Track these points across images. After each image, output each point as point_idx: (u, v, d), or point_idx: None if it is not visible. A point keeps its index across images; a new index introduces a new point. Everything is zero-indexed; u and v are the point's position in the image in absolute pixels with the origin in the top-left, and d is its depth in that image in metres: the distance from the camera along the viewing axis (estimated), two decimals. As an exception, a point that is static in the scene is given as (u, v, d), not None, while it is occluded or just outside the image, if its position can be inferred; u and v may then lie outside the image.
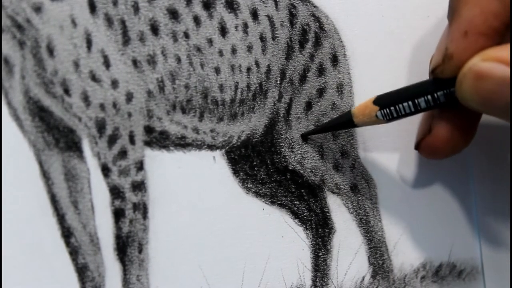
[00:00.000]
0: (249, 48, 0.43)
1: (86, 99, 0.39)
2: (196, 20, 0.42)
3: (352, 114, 0.42)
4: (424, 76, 0.48)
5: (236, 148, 0.44)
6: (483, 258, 0.49)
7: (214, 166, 0.43)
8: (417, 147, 0.45)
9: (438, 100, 0.40)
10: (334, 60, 0.46)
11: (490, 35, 0.37)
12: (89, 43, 0.39)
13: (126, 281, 0.41)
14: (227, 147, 0.44)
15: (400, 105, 0.41)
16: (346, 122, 0.43)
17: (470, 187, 0.49)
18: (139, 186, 0.41)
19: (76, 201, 0.40)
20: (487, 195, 0.50)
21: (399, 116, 0.41)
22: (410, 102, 0.41)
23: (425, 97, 0.40)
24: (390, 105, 0.41)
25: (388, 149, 0.47)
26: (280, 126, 0.45)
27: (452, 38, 0.38)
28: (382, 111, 0.41)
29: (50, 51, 0.39)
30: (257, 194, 0.44)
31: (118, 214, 0.41)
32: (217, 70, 0.43)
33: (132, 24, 0.40)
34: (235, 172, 0.44)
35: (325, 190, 0.46)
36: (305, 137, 0.45)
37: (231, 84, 0.43)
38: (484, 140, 0.49)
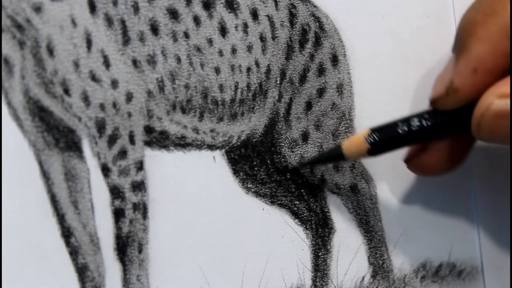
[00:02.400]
0: (249, 48, 0.43)
1: (86, 99, 0.39)
2: (196, 20, 0.42)
3: (342, 150, 0.42)
4: (424, 76, 0.48)
5: (236, 148, 0.44)
6: (483, 258, 0.49)
7: (214, 166, 0.43)
8: (407, 161, 0.45)
9: (435, 132, 0.40)
10: (334, 60, 0.46)
11: (497, 73, 0.37)
12: (89, 43, 0.39)
13: (126, 281, 0.41)
14: (227, 147, 0.44)
15: (392, 142, 0.41)
16: (336, 156, 0.43)
17: (470, 187, 0.49)
18: (139, 186, 0.41)
19: (76, 201, 0.40)
20: (487, 196, 0.49)
21: (389, 150, 0.42)
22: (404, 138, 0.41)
23: (422, 132, 0.40)
24: (382, 143, 0.41)
25: (388, 149, 0.47)
26: (280, 126, 0.45)
27: (460, 73, 0.38)
28: (372, 148, 0.41)
29: (50, 51, 0.39)
30: (257, 194, 0.44)
31: (118, 214, 0.41)
32: (217, 70, 0.43)
33: (132, 24, 0.40)
34: (235, 172, 0.44)
35: (325, 190, 0.46)
36: (300, 167, 0.45)
37: (231, 84, 0.43)
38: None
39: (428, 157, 0.43)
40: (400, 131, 0.40)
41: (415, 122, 0.40)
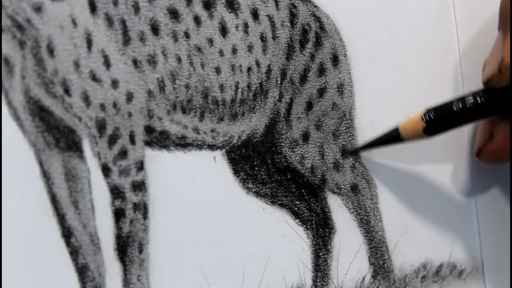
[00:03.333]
0: (250, 48, 0.43)
1: (86, 99, 0.39)
2: (197, 20, 0.42)
3: (399, 131, 0.43)
4: (425, 75, 0.48)
5: (237, 148, 0.44)
6: (483, 258, 0.49)
7: (215, 166, 0.43)
8: (478, 154, 0.45)
9: (489, 110, 0.41)
10: (335, 60, 0.46)
11: None
12: (89, 43, 0.39)
13: (126, 281, 0.41)
14: (227, 147, 0.44)
15: (448, 120, 0.41)
16: (393, 138, 0.43)
17: (470, 187, 0.49)
18: (140, 186, 0.41)
19: (76, 201, 0.40)
20: (487, 195, 0.50)
21: (446, 130, 0.42)
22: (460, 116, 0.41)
23: (476, 110, 0.41)
24: (438, 122, 0.41)
25: (388, 149, 0.47)
26: (280, 126, 0.45)
27: (510, 50, 0.39)
28: (428, 126, 0.41)
29: (51, 51, 0.39)
30: (258, 194, 0.44)
31: (118, 214, 0.41)
32: (218, 70, 0.43)
33: (133, 24, 0.40)
34: (236, 172, 0.44)
35: (326, 190, 0.46)
36: (354, 152, 0.46)
37: (231, 84, 0.43)
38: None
39: (496, 144, 0.43)
40: (455, 108, 0.41)
41: (470, 99, 0.41)
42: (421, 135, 0.42)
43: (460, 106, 0.41)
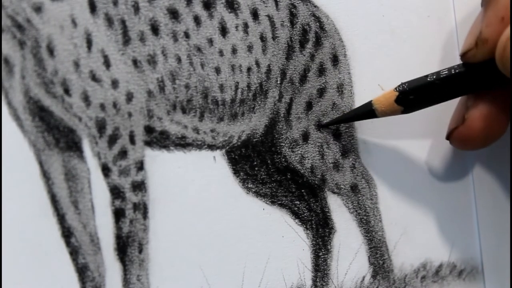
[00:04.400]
0: (250, 48, 0.43)
1: (86, 99, 0.39)
2: (197, 20, 0.42)
3: (372, 104, 0.42)
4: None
5: (237, 148, 0.44)
6: (483, 258, 0.49)
7: (215, 166, 0.43)
8: (449, 137, 0.45)
9: (465, 86, 0.40)
10: (335, 60, 0.46)
11: None
12: (89, 43, 0.39)
13: (126, 281, 0.41)
14: (227, 147, 0.44)
15: (421, 92, 0.41)
16: (366, 112, 0.43)
17: (470, 187, 0.49)
18: (139, 186, 0.41)
19: (76, 201, 0.40)
20: (487, 195, 0.50)
21: (420, 104, 0.41)
22: (433, 89, 0.41)
23: (451, 83, 0.40)
24: (411, 93, 0.41)
25: (389, 149, 0.47)
26: (280, 126, 0.45)
27: (488, 23, 0.39)
28: (402, 97, 0.41)
29: (50, 51, 0.39)
30: (258, 194, 0.44)
31: (118, 214, 0.41)
32: (218, 70, 0.43)
33: (133, 24, 0.40)
34: (236, 172, 0.44)
35: (326, 190, 0.46)
36: (324, 127, 0.45)
37: (231, 84, 0.43)
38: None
39: (467, 128, 0.43)
40: (429, 79, 0.41)
41: (444, 72, 0.41)
42: (395, 107, 0.41)
43: (434, 77, 0.41)
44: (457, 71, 0.41)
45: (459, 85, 0.41)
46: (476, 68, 0.40)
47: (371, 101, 0.43)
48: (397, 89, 0.42)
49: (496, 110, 0.42)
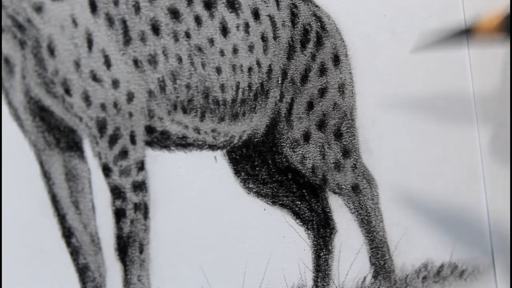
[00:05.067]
0: (251, 48, 0.43)
1: (87, 99, 0.39)
2: (197, 20, 0.42)
3: (474, 25, 0.40)
4: (425, 75, 0.48)
5: (238, 148, 0.44)
6: (484, 258, 0.49)
7: (215, 166, 0.43)
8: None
9: None
10: (336, 60, 0.46)
11: None
12: (90, 43, 0.39)
13: (127, 281, 0.41)
14: (228, 147, 0.44)
15: None
16: (465, 31, 0.40)
17: (470, 187, 0.49)
18: (140, 186, 0.41)
19: (77, 201, 0.40)
20: (487, 195, 0.49)
21: None
22: None
23: None
24: None
25: (390, 149, 0.47)
26: (281, 126, 0.45)
27: None
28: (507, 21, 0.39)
29: (51, 51, 0.39)
30: (259, 194, 0.44)
31: (119, 214, 0.41)
32: (219, 70, 0.43)
33: (133, 24, 0.40)
34: (237, 172, 0.44)
35: (327, 190, 0.46)
36: (415, 50, 0.43)
37: (232, 84, 0.43)
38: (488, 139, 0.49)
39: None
40: None
41: None
42: (497, 30, 0.39)
43: None
44: None
45: None
46: None
47: (473, 23, 0.40)
48: (503, 14, 0.40)
49: None
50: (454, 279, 0.49)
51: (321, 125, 0.46)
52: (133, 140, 0.41)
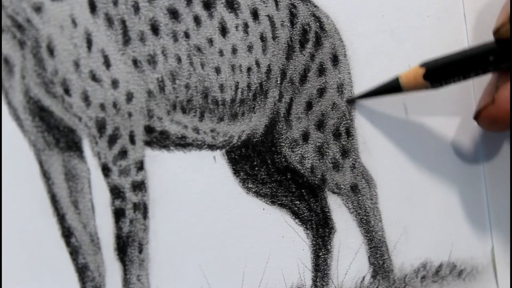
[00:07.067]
0: (250, 48, 0.43)
1: (86, 99, 0.39)
2: (197, 20, 0.42)
3: (398, 78, 0.42)
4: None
5: (237, 148, 0.44)
6: (483, 258, 0.49)
7: (215, 166, 0.43)
8: (477, 117, 0.44)
9: (495, 63, 0.40)
10: (335, 60, 0.46)
11: None
12: (89, 43, 0.39)
13: (126, 281, 0.41)
14: (227, 147, 0.44)
15: (450, 67, 0.41)
16: (393, 87, 0.43)
17: (470, 187, 0.49)
18: (140, 186, 0.41)
19: (76, 201, 0.40)
20: (498, 196, 0.49)
21: (448, 79, 0.41)
22: (461, 65, 0.40)
23: (481, 60, 0.40)
24: (439, 69, 0.41)
25: (389, 149, 0.47)
26: (280, 126, 0.45)
27: None
28: (430, 74, 0.40)
29: (50, 51, 0.39)
30: (258, 194, 0.44)
31: (118, 214, 0.41)
32: (218, 70, 0.43)
33: (133, 24, 0.40)
34: (236, 172, 0.44)
35: (326, 190, 0.46)
36: (351, 101, 0.45)
37: (231, 84, 0.43)
38: (491, 140, 0.49)
39: (497, 109, 0.41)
40: (458, 55, 0.41)
41: (475, 47, 0.41)
42: (422, 83, 0.41)
43: (464, 53, 0.41)
44: (488, 47, 0.40)
45: (490, 61, 0.40)
46: (508, 45, 0.40)
47: (398, 76, 0.43)
48: (424, 64, 0.42)
49: None
50: (453, 279, 0.49)
51: (320, 125, 0.46)
52: (132, 140, 0.41)
